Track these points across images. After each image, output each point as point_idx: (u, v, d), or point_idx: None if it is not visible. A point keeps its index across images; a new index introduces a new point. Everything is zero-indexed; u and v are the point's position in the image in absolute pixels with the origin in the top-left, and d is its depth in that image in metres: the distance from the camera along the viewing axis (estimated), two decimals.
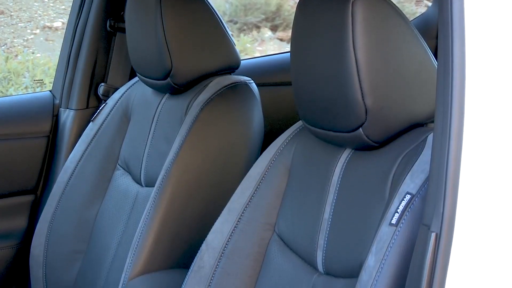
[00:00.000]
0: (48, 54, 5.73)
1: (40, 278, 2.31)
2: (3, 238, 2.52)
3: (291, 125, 1.81)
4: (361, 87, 1.45)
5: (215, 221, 1.81)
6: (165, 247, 2.01)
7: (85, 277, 2.24)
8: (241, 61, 2.21)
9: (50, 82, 3.38)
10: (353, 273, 1.47)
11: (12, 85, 5.21)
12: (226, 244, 1.75)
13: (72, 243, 2.28)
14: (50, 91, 2.67)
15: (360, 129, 1.49)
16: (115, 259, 2.14)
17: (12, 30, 5.97)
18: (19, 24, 5.98)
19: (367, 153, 1.55)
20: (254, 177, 1.77)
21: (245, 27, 6.81)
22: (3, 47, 5.71)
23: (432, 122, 1.50)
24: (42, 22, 6.11)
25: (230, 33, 2.18)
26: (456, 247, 1.19)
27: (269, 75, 2.72)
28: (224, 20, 2.14)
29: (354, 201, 1.53)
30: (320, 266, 1.58)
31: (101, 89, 2.55)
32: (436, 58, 1.34)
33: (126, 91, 2.34)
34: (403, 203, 1.36)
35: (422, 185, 1.37)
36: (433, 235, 1.20)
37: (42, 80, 5.22)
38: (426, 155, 1.41)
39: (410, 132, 1.51)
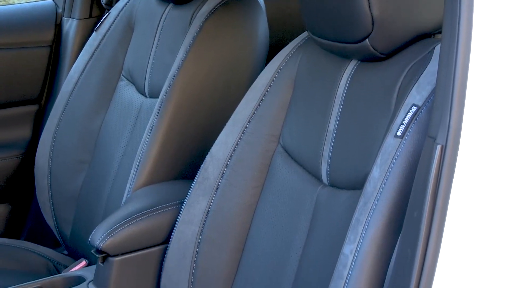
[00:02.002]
0: None
1: (45, 188, 2.32)
2: (7, 148, 2.53)
3: (297, 36, 1.78)
4: None
5: (219, 133, 1.80)
6: (170, 158, 2.01)
7: (90, 187, 2.25)
8: None
9: None
10: (358, 185, 1.47)
11: None
12: (231, 156, 1.75)
13: (77, 154, 2.29)
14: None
15: (367, 40, 1.47)
16: (119, 169, 2.14)
17: None
18: None
19: (373, 65, 1.54)
20: (259, 89, 1.76)
21: None
22: None
23: (440, 32, 1.47)
24: None
25: None
26: (462, 160, 1.19)
27: None
28: None
29: (359, 113, 1.53)
30: (324, 178, 1.58)
31: None
32: None
33: (129, 0, 2.30)
34: (409, 115, 1.35)
35: (428, 96, 1.36)
36: (438, 147, 1.19)
37: None
38: (433, 66, 1.39)
39: (417, 43, 1.49)
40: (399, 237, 1.30)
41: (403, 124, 1.36)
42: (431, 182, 1.20)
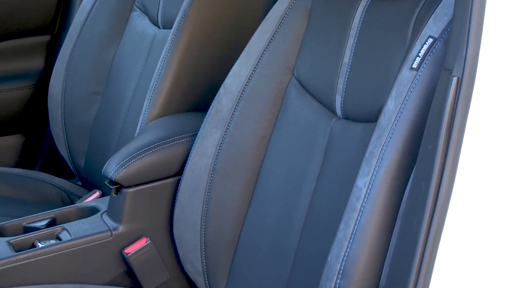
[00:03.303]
0: None
1: (59, 118, 2.32)
2: (20, 78, 2.53)
3: None
4: None
5: (233, 65, 1.79)
6: (183, 89, 2.00)
7: (103, 119, 2.25)
8: None
9: None
10: (372, 118, 1.46)
11: None
12: (244, 88, 1.74)
13: (90, 84, 2.28)
14: None
15: None
16: (133, 101, 2.14)
17: None
18: None
19: None
20: (273, 20, 1.74)
21: None
22: None
23: None
24: None
25: None
26: (478, 92, 1.17)
27: None
28: None
29: (374, 44, 1.51)
30: (338, 110, 1.57)
31: None
32: None
33: None
34: (425, 47, 1.34)
35: (445, 28, 1.34)
36: (454, 79, 1.18)
37: None
38: None
39: None
40: (413, 170, 1.30)
41: (418, 56, 1.34)
42: (446, 115, 1.18)
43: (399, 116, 1.33)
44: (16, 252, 1.77)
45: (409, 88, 1.33)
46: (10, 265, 1.74)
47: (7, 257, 1.74)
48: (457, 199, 1.19)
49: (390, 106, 1.35)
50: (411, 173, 1.31)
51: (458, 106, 1.18)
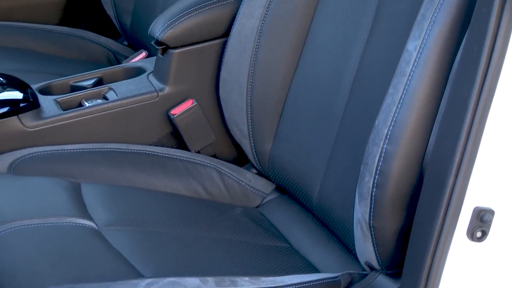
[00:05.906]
0: None
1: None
2: None
3: None
4: None
5: None
6: None
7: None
8: None
9: None
10: None
11: None
12: None
13: None
14: None
15: None
16: None
17: None
18: None
19: None
20: None
21: None
22: None
23: None
24: None
25: None
26: None
27: None
28: None
29: None
30: None
31: None
32: None
33: None
34: None
35: None
36: None
37: None
38: None
39: None
40: (466, 34, 1.27)
41: None
42: None
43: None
44: (64, 110, 1.78)
45: None
46: (57, 123, 1.76)
47: (55, 115, 1.76)
48: (510, 62, 1.16)
49: None
50: (463, 37, 1.28)
51: None
